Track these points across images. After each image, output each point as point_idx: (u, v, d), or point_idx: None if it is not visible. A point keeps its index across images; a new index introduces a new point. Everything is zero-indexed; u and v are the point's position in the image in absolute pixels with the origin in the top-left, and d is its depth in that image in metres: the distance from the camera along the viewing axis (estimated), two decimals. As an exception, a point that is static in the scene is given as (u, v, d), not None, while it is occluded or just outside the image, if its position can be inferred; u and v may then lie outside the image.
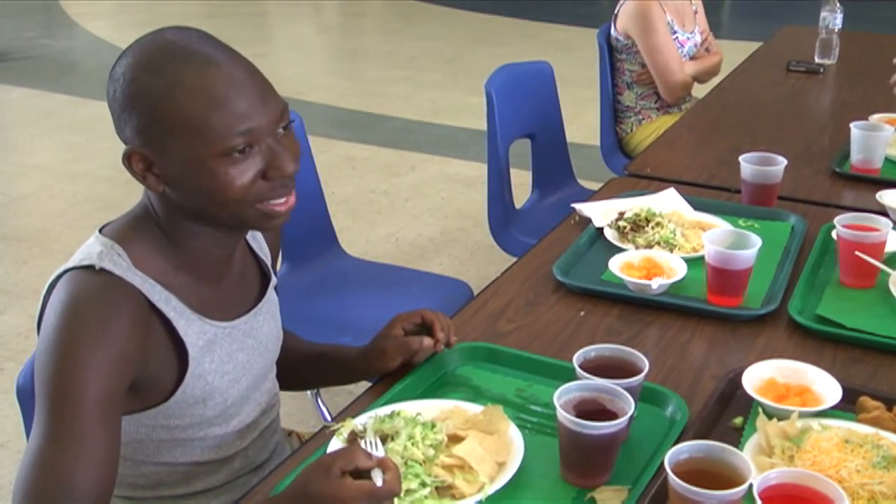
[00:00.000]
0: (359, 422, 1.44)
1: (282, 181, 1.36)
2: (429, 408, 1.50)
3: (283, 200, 1.38)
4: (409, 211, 4.81)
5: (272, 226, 1.41)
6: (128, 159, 1.34)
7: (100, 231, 1.41)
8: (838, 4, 3.65)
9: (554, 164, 3.36)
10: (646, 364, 1.46)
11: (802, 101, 3.33)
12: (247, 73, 1.34)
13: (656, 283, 1.86)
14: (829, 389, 1.52)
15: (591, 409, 1.37)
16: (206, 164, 1.30)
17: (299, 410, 2.92)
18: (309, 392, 2.85)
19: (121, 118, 1.33)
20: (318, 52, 8.57)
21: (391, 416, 1.45)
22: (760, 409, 1.49)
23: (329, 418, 2.49)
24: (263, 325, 1.56)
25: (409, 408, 1.49)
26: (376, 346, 1.64)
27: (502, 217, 3.09)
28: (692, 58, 3.70)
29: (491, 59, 3.70)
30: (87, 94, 6.83)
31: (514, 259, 2.16)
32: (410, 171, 5.35)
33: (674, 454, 1.25)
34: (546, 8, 9.95)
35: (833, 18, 3.63)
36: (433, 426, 1.41)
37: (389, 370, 1.63)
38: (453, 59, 7.92)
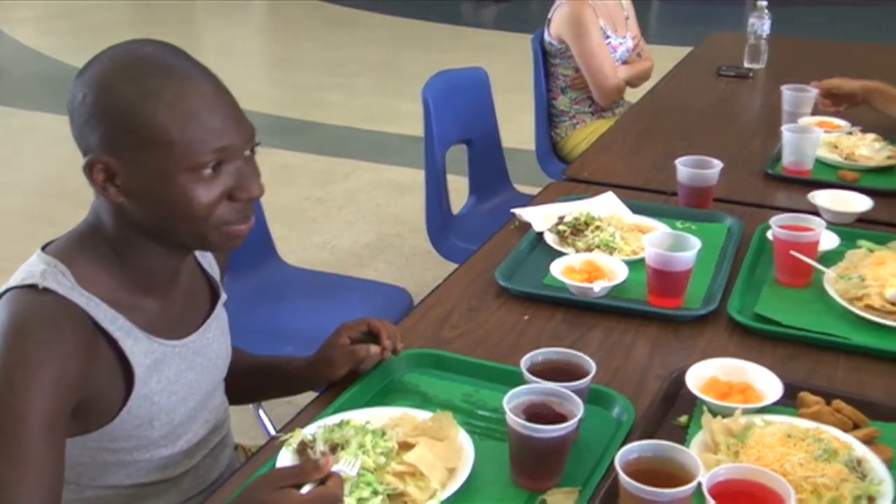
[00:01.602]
0: (308, 431, 1.44)
1: (245, 204, 1.36)
2: (378, 415, 1.50)
3: (244, 223, 1.38)
4: (345, 218, 4.80)
5: (229, 248, 1.41)
6: (89, 168, 1.32)
7: (42, 249, 1.38)
8: (766, 11, 3.72)
9: (490, 170, 3.39)
10: (593, 366, 1.48)
11: (734, 105, 3.39)
12: (223, 92, 1.35)
13: (598, 286, 1.88)
14: (770, 386, 1.55)
15: (541, 413, 1.38)
16: (175, 179, 1.29)
17: (239, 423, 2.89)
18: (251, 405, 2.83)
19: (86, 125, 1.31)
20: (249, 60, 8.51)
21: (340, 424, 1.44)
22: (705, 408, 1.51)
23: (272, 430, 2.47)
24: (213, 343, 1.55)
25: (357, 416, 1.49)
26: (323, 355, 1.64)
27: (440, 223, 3.10)
28: (625, 62, 3.75)
29: (423, 64, 3.72)
30: (14, 104, 6.70)
31: (452, 264, 2.17)
32: (345, 178, 5.34)
33: (624, 454, 1.27)
34: (476, 13, 10.00)
35: (761, 24, 3.70)
36: (383, 434, 1.41)
37: (336, 379, 1.63)
38: (385, 65, 7.92)
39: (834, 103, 2.93)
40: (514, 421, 1.35)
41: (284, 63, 8.55)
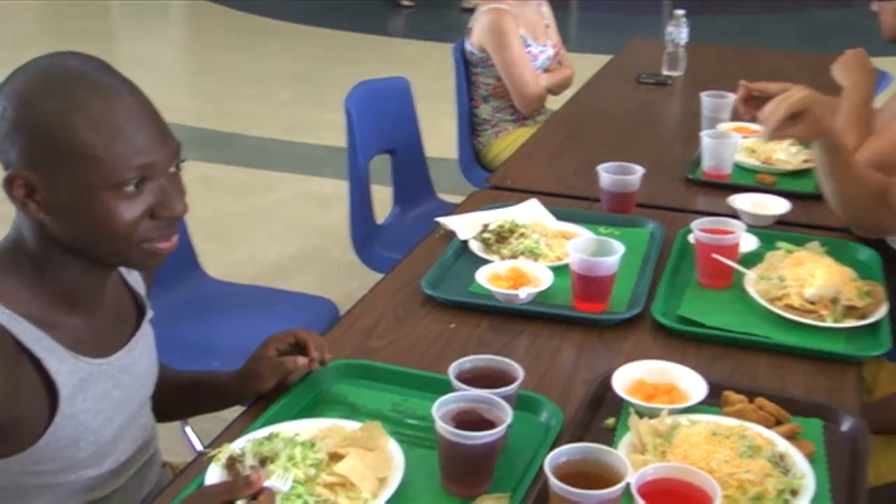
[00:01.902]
0: (236, 446, 1.42)
1: (168, 221, 1.34)
2: (307, 427, 1.49)
3: (167, 241, 1.36)
4: (269, 230, 4.76)
5: (152, 266, 1.39)
6: (9, 183, 1.29)
7: None
8: (683, 19, 3.78)
9: (414, 179, 3.39)
10: (520, 372, 1.48)
11: (654, 111, 3.44)
12: (148, 107, 1.33)
13: (524, 293, 1.89)
14: (694, 386, 1.57)
15: (470, 420, 1.39)
16: (97, 195, 1.27)
17: (166, 440, 2.84)
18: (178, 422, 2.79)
19: (7, 139, 1.28)
20: (168, 72, 8.40)
21: (269, 437, 1.43)
22: (631, 410, 1.53)
23: (199, 447, 2.44)
24: (139, 360, 1.52)
25: (286, 428, 1.48)
26: (250, 368, 1.62)
27: (365, 233, 3.10)
28: (546, 70, 3.78)
29: (344, 75, 3.71)
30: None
31: (378, 275, 2.17)
32: (268, 190, 5.30)
33: (553, 458, 1.28)
34: (396, 23, 10.02)
35: (679, 32, 3.75)
36: (313, 445, 1.40)
37: (264, 392, 1.62)
38: (307, 75, 7.88)
39: (755, 107, 2.98)
40: (444, 428, 1.35)
41: (204, 74, 8.46)
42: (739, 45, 7.21)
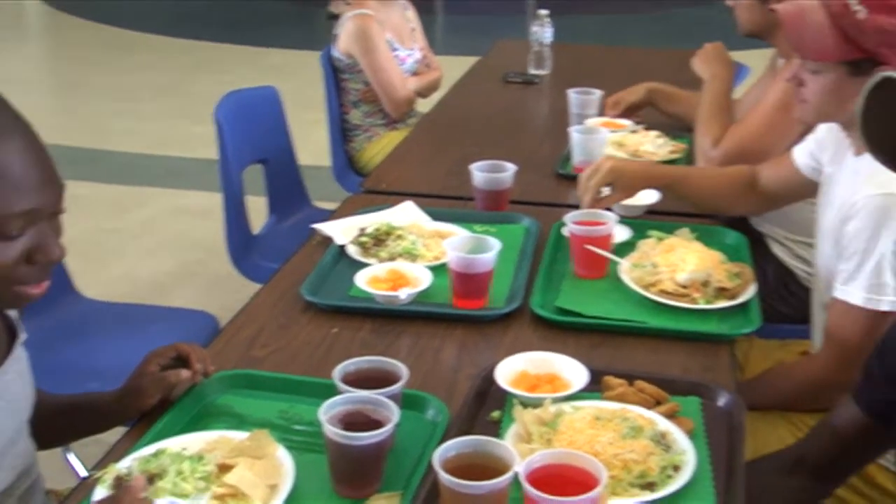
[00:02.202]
0: (122, 465, 1.40)
1: (44, 266, 1.30)
2: (194, 441, 1.47)
3: (38, 286, 1.32)
4: (144, 247, 4.67)
5: (18, 307, 1.35)
6: None
7: None
8: (547, 19, 3.85)
9: (288, 188, 3.37)
10: (404, 372, 1.50)
11: (522, 110, 3.50)
12: (38, 150, 1.29)
13: (404, 294, 1.90)
14: (576, 374, 1.61)
15: (357, 421, 1.39)
16: None
17: (48, 468, 2.76)
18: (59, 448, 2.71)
19: None
20: (28, 88, 8.11)
21: (156, 454, 1.41)
22: (515, 401, 1.56)
23: (83, 472, 2.38)
24: (12, 385, 1.48)
25: (173, 444, 1.46)
26: (132, 385, 1.59)
27: (241, 244, 3.07)
28: (414, 74, 3.81)
29: (213, 86, 3.67)
30: None
31: (258, 285, 2.15)
32: (140, 206, 5.19)
33: (441, 452, 1.29)
34: (263, 33, 9.91)
35: (543, 32, 3.81)
36: (201, 458, 1.39)
37: (147, 408, 1.59)
38: (172, 88, 7.74)
39: (622, 113, 3.08)
40: (331, 431, 1.35)
41: (66, 89, 8.22)
42: (605, 43, 7.39)
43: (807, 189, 2.18)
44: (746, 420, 1.98)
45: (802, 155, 2.17)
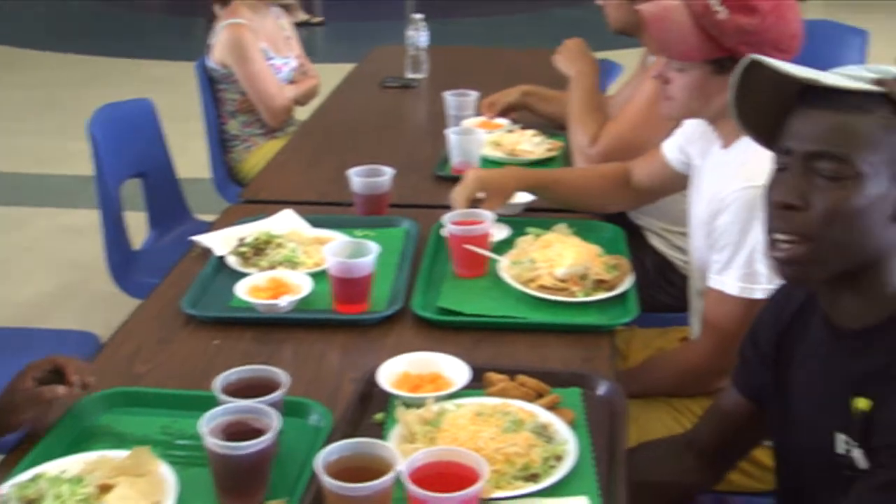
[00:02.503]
0: (-2, 493, 1.36)
1: None
2: (73, 463, 1.43)
3: None
4: (22, 269, 4.54)
5: None
6: None
7: None
8: (422, 23, 3.87)
9: (168, 201, 3.33)
10: (285, 379, 1.49)
11: (401, 114, 3.52)
12: None
13: (284, 301, 1.89)
14: (458, 372, 1.63)
15: (239, 431, 1.38)
16: None
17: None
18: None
19: None
20: None
21: (34, 479, 1.37)
22: (398, 402, 1.56)
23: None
24: None
25: (52, 468, 1.42)
26: (5, 401, 1.53)
27: (122, 261, 3.02)
28: (291, 82, 3.79)
29: (91, 101, 3.58)
30: None
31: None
32: (18, 227, 5.04)
33: (324, 456, 1.29)
34: (142, 44, 9.73)
35: (419, 36, 3.84)
36: (80, 480, 1.36)
37: (22, 425, 1.54)
38: (49, 104, 7.53)
39: (499, 114, 3.11)
40: (212, 442, 1.34)
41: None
42: (484, 45, 7.44)
43: (678, 182, 2.23)
44: (630, 408, 2.04)
45: (672, 149, 2.23)
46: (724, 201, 1.87)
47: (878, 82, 1.26)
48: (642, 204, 2.50)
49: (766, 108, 1.35)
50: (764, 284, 1.83)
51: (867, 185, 1.25)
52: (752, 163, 1.81)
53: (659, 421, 2.04)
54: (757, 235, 1.83)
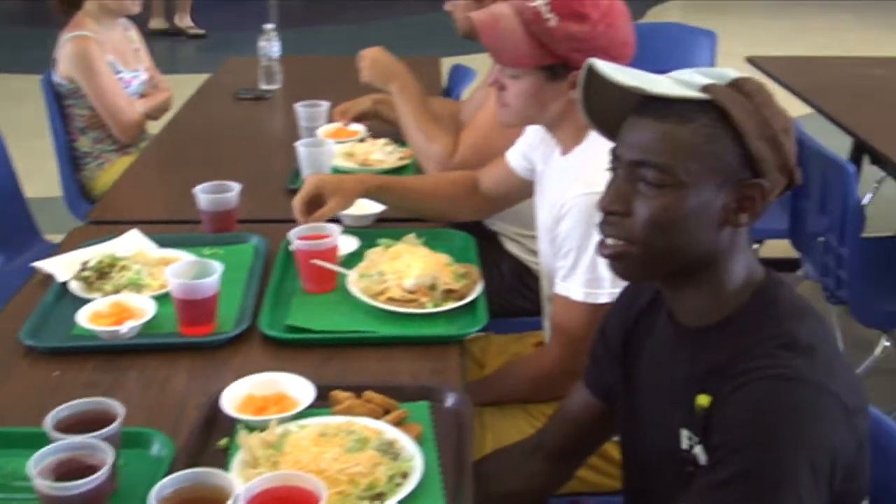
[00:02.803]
0: None
1: None
2: None
3: None
4: None
5: None
6: None
7: None
8: (274, 33, 3.82)
9: (15, 224, 3.21)
10: (120, 410, 1.45)
11: (255, 126, 3.46)
12: None
13: (126, 327, 1.84)
14: (303, 392, 1.61)
15: (72, 469, 1.34)
16: None
17: None
18: None
19: None
20: None
21: None
22: (240, 426, 1.54)
23: None
24: None
25: None
26: None
27: (-37, 290, 2.89)
28: (142, 96, 3.70)
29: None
30: None
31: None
32: None
33: (157, 491, 1.27)
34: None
35: (271, 47, 3.79)
36: None
37: None
38: None
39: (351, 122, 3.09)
40: (41, 484, 1.30)
41: None
42: (344, 53, 7.39)
43: (526, 189, 2.24)
44: (485, 416, 2.06)
45: (516, 157, 2.25)
46: (565, 207, 1.89)
47: (705, 89, 1.27)
48: (494, 212, 2.50)
49: (612, 111, 1.35)
50: (608, 289, 1.86)
51: (689, 194, 1.27)
52: (591, 169, 1.82)
53: (514, 427, 2.04)
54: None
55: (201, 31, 9.29)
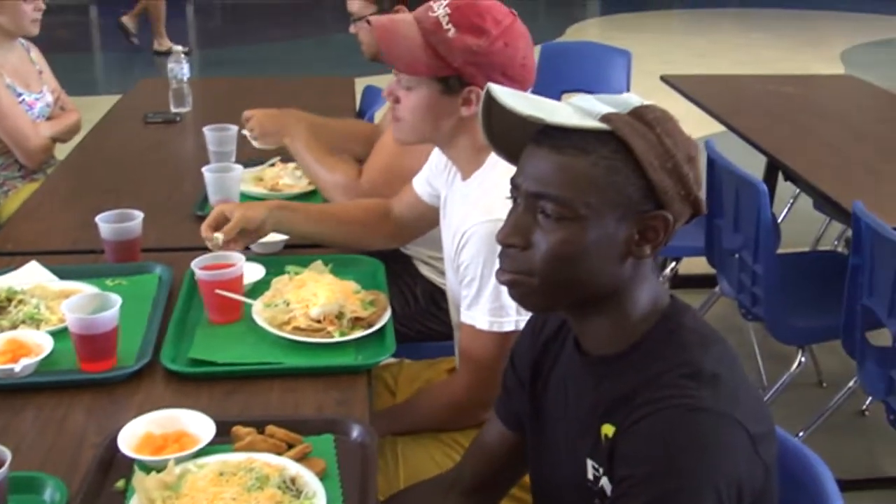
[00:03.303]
0: None
1: None
2: None
3: None
4: None
5: None
6: None
7: None
8: (183, 56, 3.77)
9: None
10: (6, 455, 1.39)
11: (164, 151, 3.39)
12: None
13: (20, 366, 1.78)
14: (203, 428, 1.57)
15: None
16: None
17: None
18: None
19: None
20: None
21: None
22: (138, 466, 1.49)
23: None
24: None
25: None
26: None
27: None
28: (48, 118, 3.61)
29: None
30: None
31: None
32: None
33: (44, 541, 1.21)
34: None
35: (180, 69, 3.73)
36: None
37: None
38: None
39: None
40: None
41: None
42: (269, 73, 7.36)
43: (435, 215, 2.21)
44: (398, 446, 2.03)
45: (421, 183, 2.23)
46: (465, 235, 1.87)
47: (605, 118, 1.24)
48: (407, 240, 2.46)
49: (514, 136, 1.32)
50: (514, 317, 1.84)
51: (589, 227, 1.24)
52: (491, 195, 1.83)
53: (428, 456, 2.02)
54: None
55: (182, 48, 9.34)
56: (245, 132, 2.81)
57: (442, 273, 2.67)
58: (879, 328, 2.71)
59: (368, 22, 2.35)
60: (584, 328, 1.37)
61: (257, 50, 10.24)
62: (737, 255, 3.12)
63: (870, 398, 3.53)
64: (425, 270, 2.76)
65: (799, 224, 4.65)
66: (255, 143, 2.80)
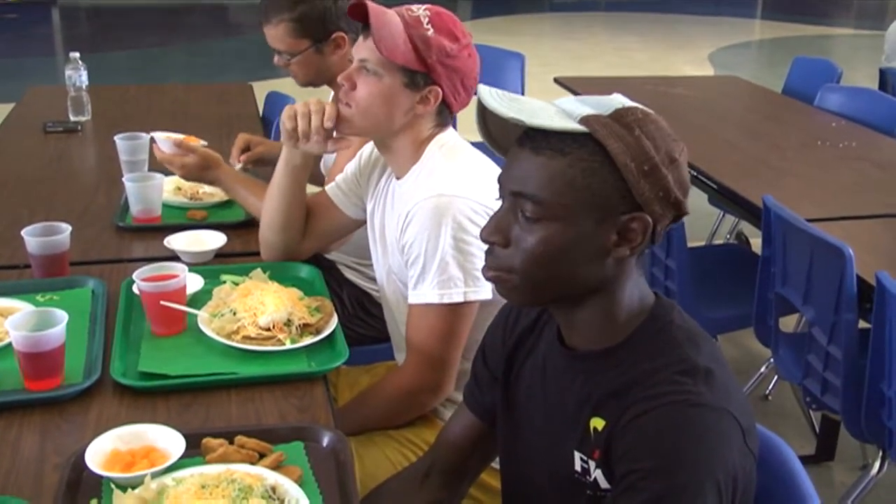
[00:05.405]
0: None
1: None
2: None
3: None
4: None
5: None
6: None
7: None
8: (80, 62, 3.66)
9: None
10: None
11: (69, 161, 3.29)
12: None
13: (-37, 388, 1.71)
14: (172, 442, 1.53)
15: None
16: None
17: None
18: None
19: None
20: None
21: None
22: (112, 485, 1.45)
23: None
24: None
25: None
26: None
27: None
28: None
29: None
30: None
31: None
32: None
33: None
34: None
35: (78, 76, 3.63)
36: None
37: None
38: None
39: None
40: None
41: None
42: (141, 80, 7.19)
43: (356, 221, 2.27)
44: (354, 445, 2.01)
45: (335, 192, 2.26)
46: (409, 214, 1.93)
47: (584, 120, 1.25)
48: (329, 243, 2.48)
49: (509, 137, 1.33)
50: (462, 288, 1.90)
51: (566, 228, 1.26)
52: (438, 174, 1.94)
53: (383, 456, 2.02)
54: (447, 240, 1.88)
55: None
56: (236, 165, 2.77)
57: (369, 278, 2.68)
58: (791, 314, 2.81)
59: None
60: (571, 323, 1.38)
61: (131, 57, 10.00)
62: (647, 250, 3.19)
63: (772, 383, 3.67)
64: (350, 275, 2.75)
65: (692, 220, 4.79)
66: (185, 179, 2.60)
